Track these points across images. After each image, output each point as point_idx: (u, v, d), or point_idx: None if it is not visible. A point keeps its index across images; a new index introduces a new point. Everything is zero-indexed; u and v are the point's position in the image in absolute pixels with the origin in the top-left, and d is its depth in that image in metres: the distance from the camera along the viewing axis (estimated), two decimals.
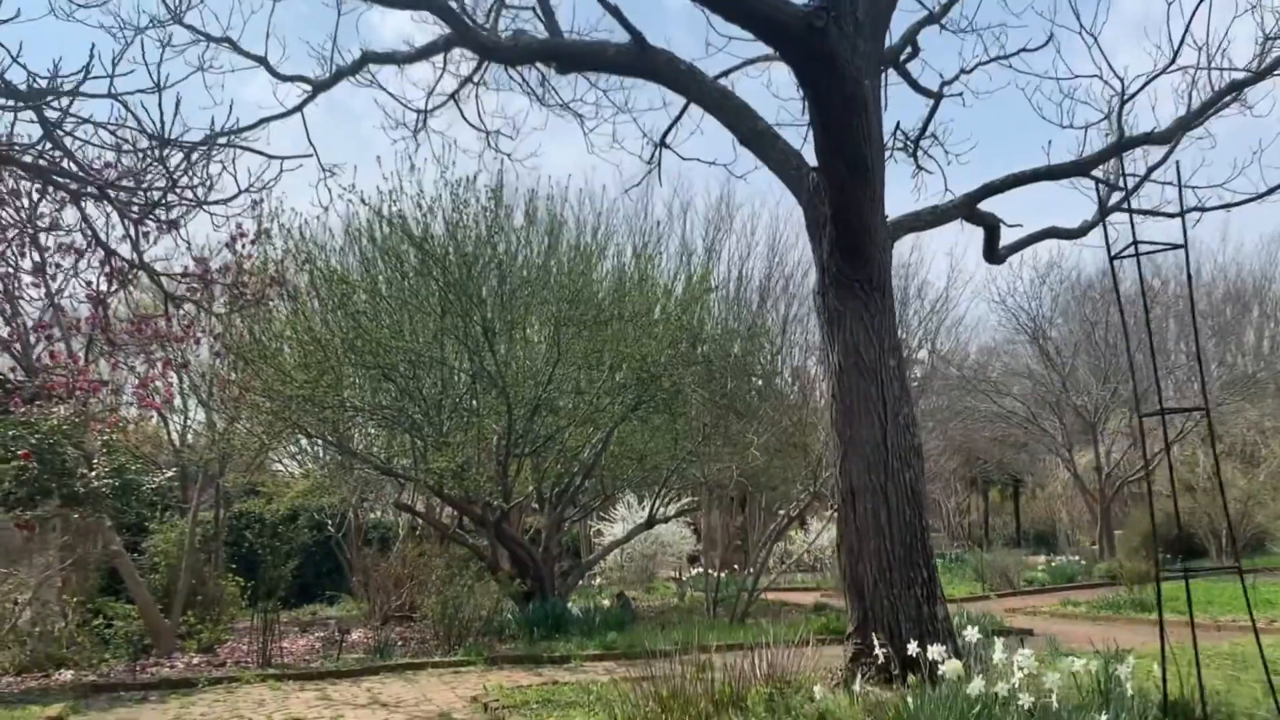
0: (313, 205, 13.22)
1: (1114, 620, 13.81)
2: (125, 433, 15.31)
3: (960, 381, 24.83)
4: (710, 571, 25.32)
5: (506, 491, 13.94)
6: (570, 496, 16.47)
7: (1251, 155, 8.96)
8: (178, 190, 8.14)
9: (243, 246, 15.15)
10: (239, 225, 15.06)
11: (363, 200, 13.10)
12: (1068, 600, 15.81)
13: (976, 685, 5.14)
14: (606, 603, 15.50)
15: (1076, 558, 22.25)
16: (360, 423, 14.68)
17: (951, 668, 5.08)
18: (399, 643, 13.35)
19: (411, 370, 13.64)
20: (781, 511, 20.89)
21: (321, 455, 19.43)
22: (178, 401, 17.10)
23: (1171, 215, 9.39)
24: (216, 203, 7.91)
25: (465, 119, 12.71)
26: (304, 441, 19.16)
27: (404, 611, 17.92)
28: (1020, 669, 4.87)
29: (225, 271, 15.04)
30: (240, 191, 7.22)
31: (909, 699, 5.43)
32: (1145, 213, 9.37)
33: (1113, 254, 6.30)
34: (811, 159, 7.70)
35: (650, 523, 17.26)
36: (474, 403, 13.87)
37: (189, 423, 18.54)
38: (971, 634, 5.82)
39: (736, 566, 26.55)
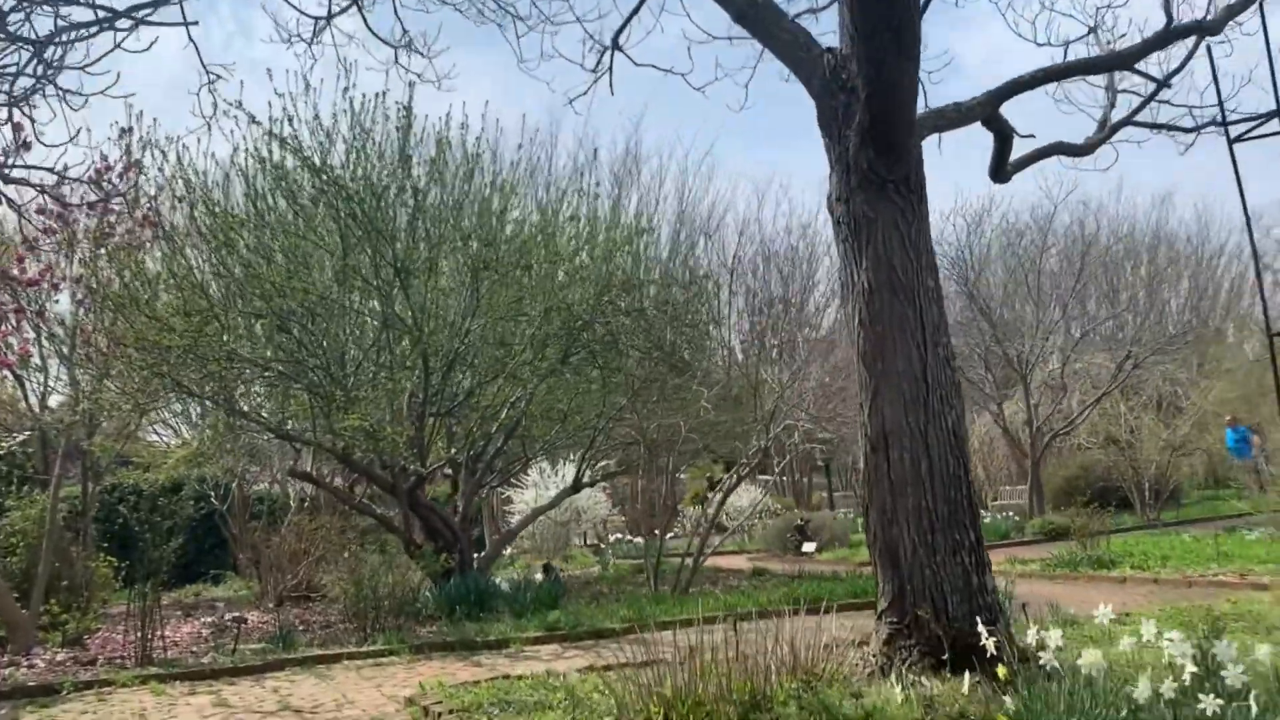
0: (192, 131, 11.26)
1: (1074, 579, 13.11)
2: None
3: None
4: (636, 538, 24.24)
5: (423, 455, 12.36)
6: (489, 461, 14.97)
7: None
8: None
9: (109, 181, 13.17)
10: (104, 157, 13.10)
11: (252, 119, 11.20)
12: (1014, 559, 15.12)
13: (1096, 673, 3.97)
14: (538, 576, 14.08)
15: (1008, 514, 21.84)
16: (250, 379, 12.83)
17: (1091, 659, 3.88)
18: (301, 628, 11.71)
19: (310, 318, 11.88)
20: (710, 471, 19.88)
21: (205, 417, 17.43)
22: (36, 360, 14.79)
23: (1188, 130, 8.47)
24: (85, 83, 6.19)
25: (370, 29, 10.95)
26: (184, 404, 17.18)
27: (301, 591, 16.16)
28: (1186, 659, 3.68)
29: (91, 208, 13.07)
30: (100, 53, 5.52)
31: (1010, 699, 4.22)
32: (1164, 128, 8.39)
33: (1232, 138, 5.21)
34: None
35: (577, 486, 15.89)
36: (384, 356, 12.20)
37: (51, 385, 16.20)
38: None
39: (657, 532, 25.56)
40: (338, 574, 13.11)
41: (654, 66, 9.56)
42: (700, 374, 14.79)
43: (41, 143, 7.56)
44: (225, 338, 11.22)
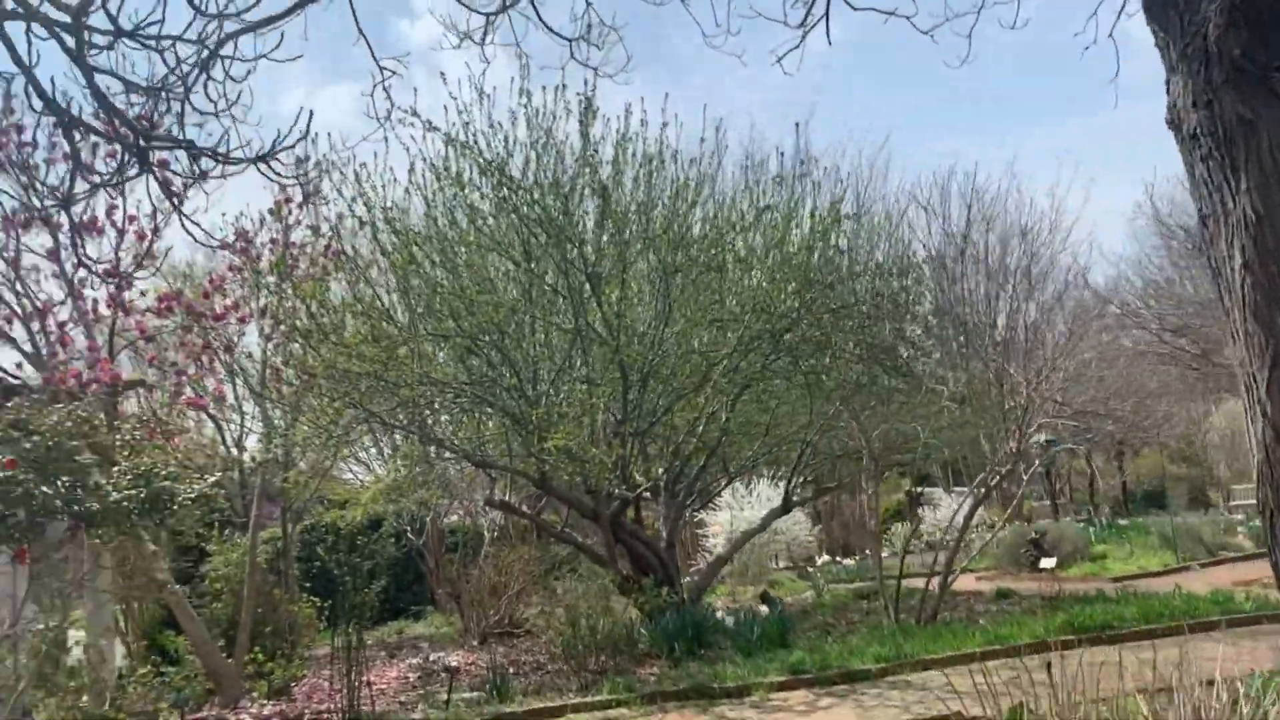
0: (365, 138, 10.60)
1: None
2: (172, 439, 12.98)
3: (1118, 320, 21.36)
4: (845, 559, 22.55)
5: (626, 477, 11.27)
6: (691, 481, 13.80)
7: None
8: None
9: (289, 213, 12.82)
10: (283, 190, 12.75)
11: (429, 125, 10.46)
12: None
13: None
14: (762, 609, 12.71)
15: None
16: (442, 406, 12.10)
17: None
18: (511, 671, 10.78)
19: (499, 335, 10.99)
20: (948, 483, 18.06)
21: (396, 451, 17.05)
22: (231, 399, 14.56)
23: None
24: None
25: (543, 22, 10.05)
26: (375, 438, 16.83)
27: (504, 627, 15.41)
28: None
29: (272, 245, 12.72)
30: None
31: None
32: None
33: None
34: None
35: (786, 506, 14.50)
36: (580, 370, 11.21)
37: (247, 426, 16.06)
38: None
39: (868, 551, 23.74)
40: (542, 608, 12.23)
41: (875, 10, 8.17)
42: (929, 374, 13.13)
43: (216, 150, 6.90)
44: (414, 362, 10.48)
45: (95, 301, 10.64)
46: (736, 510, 21.43)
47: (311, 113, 3.71)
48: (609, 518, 11.87)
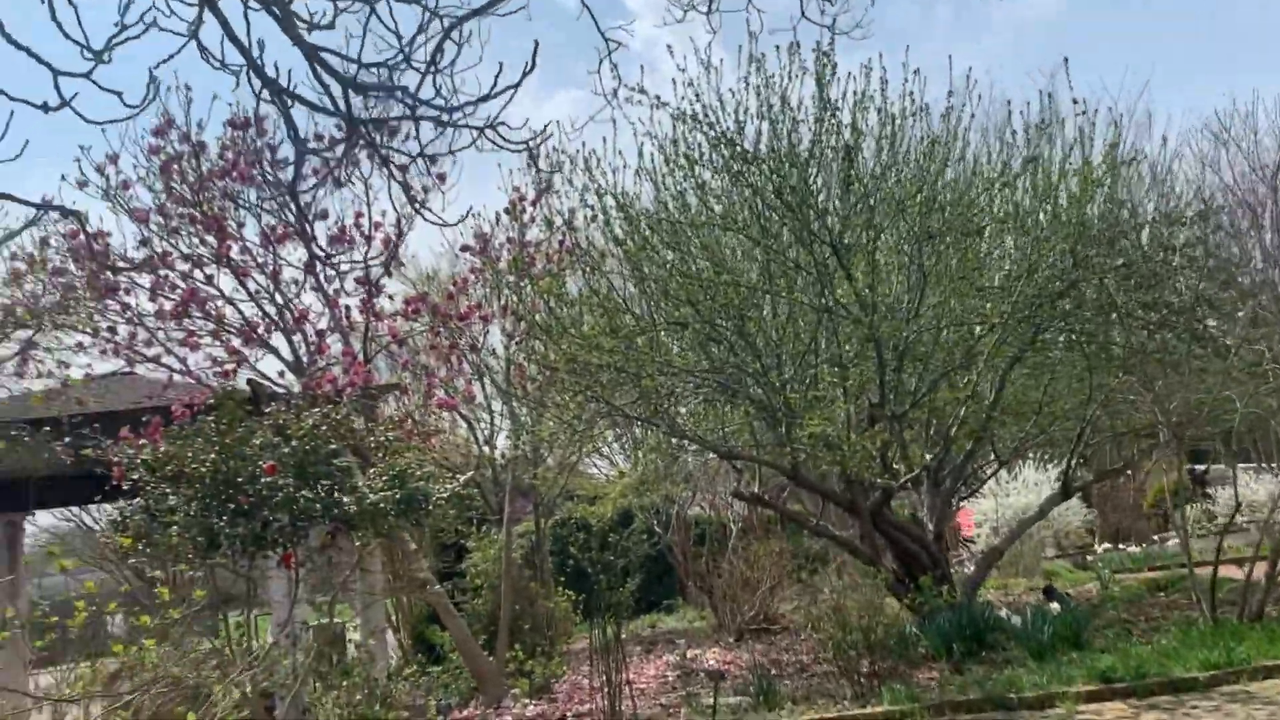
0: (592, 117, 10.25)
1: None
2: (429, 440, 13.31)
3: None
4: (1127, 546, 20.42)
5: (889, 465, 10.36)
6: (959, 467, 12.65)
7: None
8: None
9: (524, 211, 12.80)
10: (516, 189, 12.76)
11: (657, 101, 9.99)
12: None
13: None
14: (1053, 606, 11.41)
15: None
16: (682, 394, 11.64)
17: None
18: (773, 673, 10.16)
19: (739, 319, 10.34)
20: None
21: (640, 442, 16.89)
22: (480, 398, 14.79)
23: None
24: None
25: None
26: (618, 433, 16.74)
27: (759, 623, 14.84)
28: None
29: (510, 245, 12.77)
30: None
31: None
32: None
33: None
34: None
35: (1066, 491, 13.03)
36: (831, 350, 10.41)
37: (496, 424, 16.34)
38: None
39: (1155, 538, 21.42)
40: (798, 604, 11.53)
41: None
42: (1234, 335, 11.35)
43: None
44: (653, 351, 10.07)
45: (348, 309, 10.96)
46: (1001, 497, 19.83)
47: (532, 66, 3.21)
48: (869, 510, 11.00)
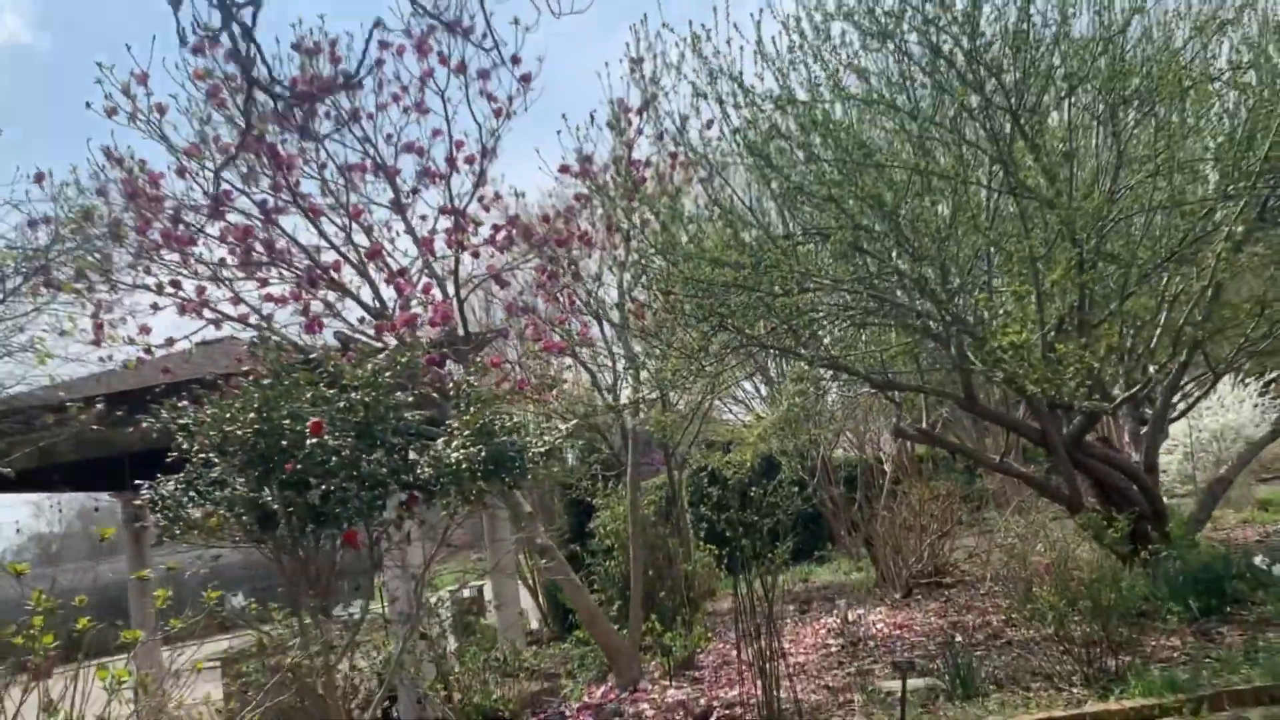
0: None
1: None
2: (545, 392, 11.93)
3: None
4: None
5: (1100, 383, 8.30)
6: (1172, 384, 10.41)
7: None
8: None
9: (629, 123, 11.13)
10: (620, 103, 11.08)
11: None
12: None
13: None
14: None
15: None
16: (828, 318, 9.78)
17: None
18: (959, 640, 8.35)
19: (890, 218, 8.38)
20: None
21: (774, 381, 15.20)
22: (600, 341, 13.17)
23: None
24: None
25: None
26: (746, 370, 15.07)
27: (930, 577, 13.02)
28: None
29: (615, 164, 11.15)
30: None
31: None
32: None
33: None
34: None
35: None
36: (1022, 246, 8.31)
37: (617, 369, 14.74)
38: None
39: None
40: (978, 553, 9.64)
41: None
42: None
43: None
44: (791, 260, 8.28)
45: (432, 238, 9.54)
46: (1194, 419, 17.18)
47: None
48: (1068, 439, 8.99)
